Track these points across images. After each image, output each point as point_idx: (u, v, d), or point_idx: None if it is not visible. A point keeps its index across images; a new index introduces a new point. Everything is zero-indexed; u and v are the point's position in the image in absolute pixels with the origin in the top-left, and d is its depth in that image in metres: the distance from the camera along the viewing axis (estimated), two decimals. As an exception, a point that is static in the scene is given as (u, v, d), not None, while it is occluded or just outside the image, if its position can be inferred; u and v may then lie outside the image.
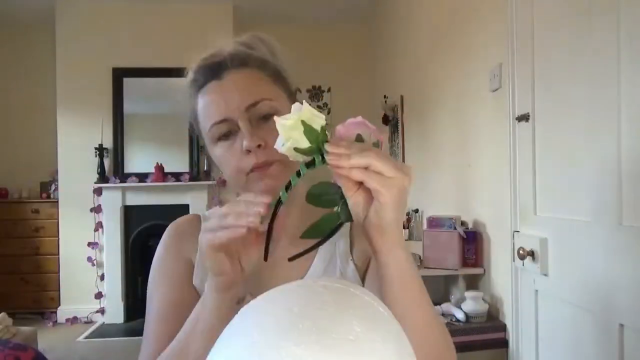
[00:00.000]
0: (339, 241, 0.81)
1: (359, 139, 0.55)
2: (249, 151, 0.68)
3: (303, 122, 0.52)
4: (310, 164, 0.55)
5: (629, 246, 1.21)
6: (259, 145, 0.68)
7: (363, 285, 0.77)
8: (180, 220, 0.85)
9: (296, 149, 0.54)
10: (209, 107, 0.73)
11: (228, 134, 0.71)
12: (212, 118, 0.71)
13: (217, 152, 0.73)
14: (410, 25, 3.52)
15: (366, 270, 0.80)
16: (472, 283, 2.26)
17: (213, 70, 0.73)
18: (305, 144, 0.53)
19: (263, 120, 0.71)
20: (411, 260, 0.63)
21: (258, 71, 0.74)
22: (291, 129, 0.53)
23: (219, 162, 0.75)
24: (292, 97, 0.79)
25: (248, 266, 0.60)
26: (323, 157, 0.53)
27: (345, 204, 0.57)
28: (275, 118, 0.53)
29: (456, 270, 2.19)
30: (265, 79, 0.74)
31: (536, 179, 1.66)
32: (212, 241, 0.56)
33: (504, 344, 1.94)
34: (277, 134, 0.61)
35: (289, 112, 0.66)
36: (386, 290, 0.61)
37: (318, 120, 0.53)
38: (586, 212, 1.37)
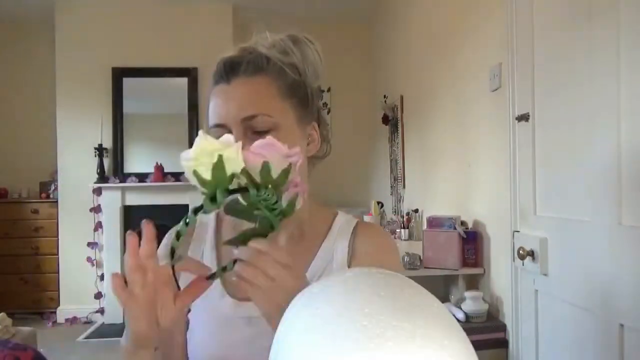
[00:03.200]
0: (337, 248, 0.80)
1: (265, 169, 0.53)
2: None
3: (220, 157, 0.51)
4: (198, 210, 0.53)
5: (628, 246, 1.21)
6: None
7: None
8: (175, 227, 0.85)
9: (195, 173, 0.52)
10: (212, 109, 0.74)
11: None
12: (212, 120, 0.73)
13: None
14: (410, 25, 3.52)
15: None
16: (472, 283, 2.26)
17: (226, 71, 0.73)
18: (207, 175, 0.51)
19: (258, 135, 0.69)
20: None
21: (270, 81, 0.73)
22: (204, 153, 0.51)
23: None
24: (306, 113, 0.77)
25: (165, 322, 0.57)
26: (214, 201, 0.52)
27: (262, 218, 0.56)
28: (200, 132, 0.52)
29: (456, 270, 2.19)
30: (273, 91, 0.72)
31: (536, 179, 1.66)
32: (125, 304, 0.56)
33: (504, 344, 1.94)
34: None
35: (293, 130, 0.71)
36: None
37: (235, 165, 0.51)
38: (586, 212, 1.37)
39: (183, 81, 4.28)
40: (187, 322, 0.80)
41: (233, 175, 0.52)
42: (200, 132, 0.52)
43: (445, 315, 0.42)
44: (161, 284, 0.56)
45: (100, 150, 4.14)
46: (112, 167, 4.23)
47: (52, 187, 4.41)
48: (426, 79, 3.12)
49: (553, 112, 1.56)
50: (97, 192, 4.16)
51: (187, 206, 4.11)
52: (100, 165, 4.13)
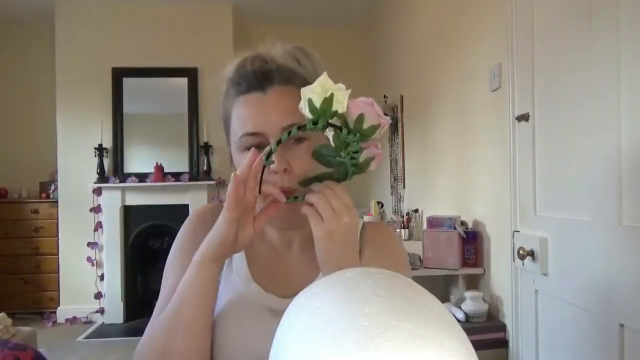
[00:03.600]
0: None
1: (360, 118, 0.63)
2: (275, 172, 0.70)
3: (331, 94, 0.62)
4: (301, 127, 0.64)
5: (628, 246, 1.21)
6: (285, 169, 0.70)
7: None
8: (202, 207, 0.87)
9: (309, 101, 0.63)
10: (246, 117, 0.73)
11: (258, 146, 0.71)
12: (245, 128, 0.73)
13: (242, 160, 0.73)
14: (410, 25, 3.52)
15: None
16: (472, 283, 2.26)
17: (258, 80, 0.74)
18: (318, 104, 0.63)
19: (294, 143, 0.72)
20: None
21: (299, 91, 0.74)
22: (323, 88, 0.63)
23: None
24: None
25: (244, 239, 0.68)
26: (316, 124, 0.63)
27: (340, 164, 0.66)
28: (324, 73, 0.63)
29: (456, 270, 2.19)
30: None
31: (536, 179, 1.66)
32: (232, 205, 0.66)
33: (504, 344, 1.94)
34: (304, 160, 0.72)
35: (321, 137, 0.73)
36: None
37: (340, 107, 0.62)
38: (586, 212, 1.37)
39: (183, 81, 4.28)
40: None
41: (336, 113, 0.62)
42: (324, 73, 0.63)
43: (445, 316, 0.42)
44: (248, 206, 0.67)
45: (100, 150, 4.14)
46: (112, 167, 4.22)
47: (52, 187, 4.41)
48: (426, 79, 3.12)
49: (553, 112, 1.56)
50: (97, 192, 4.16)
51: (187, 206, 4.11)
52: (100, 165, 4.13)
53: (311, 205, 0.66)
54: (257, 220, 0.69)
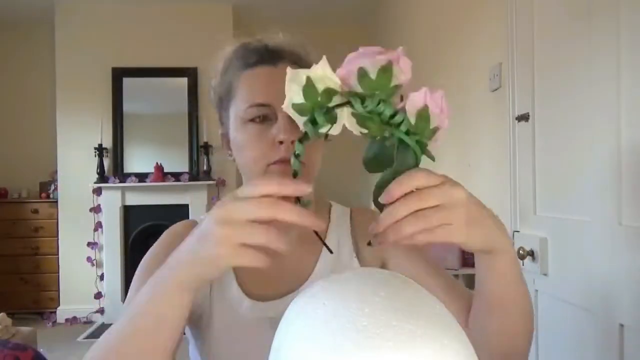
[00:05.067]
0: (341, 241, 0.80)
1: (361, 73, 0.49)
2: (281, 142, 0.68)
3: (307, 78, 0.49)
4: (304, 139, 0.51)
5: (629, 246, 1.21)
6: (292, 141, 0.67)
7: None
8: (177, 226, 0.82)
9: (293, 105, 0.50)
10: (254, 87, 0.71)
11: (263, 119, 0.70)
12: (253, 99, 0.70)
13: (244, 133, 0.71)
14: (410, 25, 3.52)
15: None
16: (472, 283, 2.26)
17: (270, 55, 0.72)
18: (300, 100, 0.49)
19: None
20: (511, 263, 0.64)
21: None
22: (292, 82, 0.49)
23: (241, 144, 0.72)
24: None
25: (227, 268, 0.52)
26: (316, 123, 0.49)
27: (405, 148, 0.50)
28: (288, 69, 0.50)
29: (456, 270, 2.19)
30: None
31: (536, 178, 1.66)
32: (244, 239, 0.47)
33: (503, 344, 1.94)
34: (315, 150, 0.68)
35: None
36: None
37: (328, 81, 0.49)
38: (586, 212, 1.37)
39: (183, 81, 4.28)
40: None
41: (330, 93, 0.49)
42: (287, 71, 0.49)
43: (445, 316, 0.42)
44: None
45: (100, 150, 4.14)
46: (112, 167, 4.23)
47: (52, 187, 4.41)
48: (426, 78, 3.12)
49: (553, 112, 1.55)
50: (97, 192, 4.16)
51: (187, 206, 4.11)
52: (100, 165, 4.13)
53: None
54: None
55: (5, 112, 4.68)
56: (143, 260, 0.77)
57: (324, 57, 0.50)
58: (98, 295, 4.18)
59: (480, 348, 0.45)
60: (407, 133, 0.49)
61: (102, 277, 4.19)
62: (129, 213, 4.22)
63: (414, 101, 0.49)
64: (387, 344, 0.36)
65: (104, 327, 4.00)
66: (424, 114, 0.49)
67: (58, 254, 4.26)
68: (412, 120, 0.49)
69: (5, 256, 4.27)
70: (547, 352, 1.64)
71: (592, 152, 1.33)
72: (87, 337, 3.75)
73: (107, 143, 4.22)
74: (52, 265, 4.27)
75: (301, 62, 0.73)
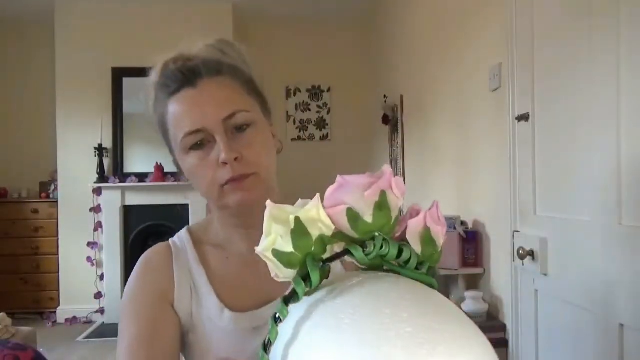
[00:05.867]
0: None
1: (351, 214, 0.40)
2: (225, 163, 0.67)
3: (297, 220, 0.39)
4: (289, 299, 0.40)
5: (628, 246, 1.21)
6: (235, 158, 0.68)
7: None
8: (149, 254, 0.81)
9: (275, 252, 0.40)
10: (182, 116, 0.70)
11: (201, 144, 0.69)
12: (185, 127, 0.69)
13: (189, 162, 0.71)
14: (410, 25, 3.52)
15: None
16: (472, 283, 2.26)
17: (186, 77, 0.71)
18: (288, 248, 0.40)
19: (238, 131, 0.70)
20: None
21: (232, 80, 0.72)
22: (278, 222, 0.40)
23: (189, 173, 0.73)
24: (266, 107, 0.77)
25: None
26: (309, 282, 0.39)
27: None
28: (268, 203, 0.41)
29: (456, 270, 2.19)
30: (239, 88, 0.73)
31: (536, 178, 1.66)
32: None
33: (504, 344, 1.94)
34: (252, 146, 0.68)
35: (264, 123, 0.70)
36: None
37: (322, 227, 0.40)
38: (586, 212, 1.37)
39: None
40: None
41: (324, 241, 0.40)
42: (267, 205, 0.41)
43: (463, 314, 0.40)
44: None
45: (100, 150, 4.14)
46: (112, 167, 4.23)
47: (52, 187, 4.41)
48: (426, 79, 3.12)
49: (553, 112, 1.55)
50: (97, 192, 4.16)
51: (187, 206, 4.11)
52: (100, 165, 4.13)
53: None
54: None
55: (5, 112, 4.68)
56: (124, 302, 0.76)
57: (317, 195, 0.41)
58: (98, 295, 4.18)
59: None
60: (418, 266, 0.43)
61: (102, 277, 4.18)
62: (129, 213, 4.22)
63: (414, 227, 0.44)
64: (439, 348, 0.34)
65: (104, 327, 4.00)
66: (427, 238, 0.44)
67: (58, 254, 4.25)
68: (418, 248, 0.44)
69: (5, 256, 4.27)
70: (547, 352, 1.64)
71: (592, 152, 1.33)
72: (87, 337, 3.75)
73: (107, 143, 4.22)
74: (52, 265, 4.27)
75: (221, 67, 0.72)
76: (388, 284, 0.41)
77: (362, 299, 0.38)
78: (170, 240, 0.82)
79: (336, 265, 0.75)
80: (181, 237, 0.82)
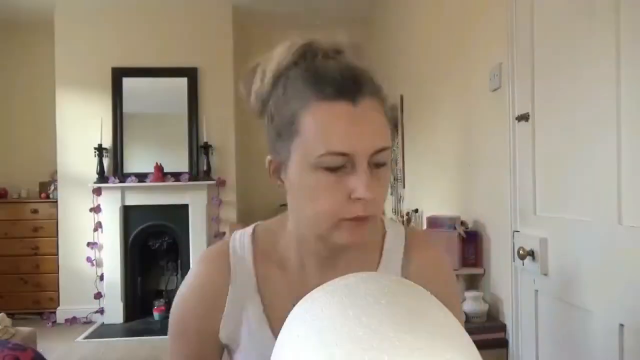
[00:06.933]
0: (389, 268, 0.74)
1: None
2: (358, 199, 0.60)
3: None
4: None
5: (628, 246, 1.21)
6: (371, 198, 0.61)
7: None
8: (204, 276, 0.74)
9: None
10: (333, 131, 0.60)
11: (337, 168, 0.60)
12: (332, 145, 0.59)
13: (315, 180, 0.61)
14: (410, 25, 3.52)
15: None
16: (472, 283, 2.26)
17: (351, 88, 0.61)
18: None
19: (376, 168, 0.62)
20: None
21: (382, 106, 0.64)
22: None
23: (309, 192, 0.63)
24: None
25: None
26: None
27: None
28: None
29: (456, 270, 2.19)
30: (385, 118, 0.64)
31: (536, 179, 1.66)
32: None
33: (504, 344, 1.94)
34: (382, 186, 0.62)
35: (390, 163, 0.64)
36: None
37: None
38: (586, 212, 1.37)
39: (183, 81, 4.28)
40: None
41: None
42: None
43: (451, 327, 0.39)
44: None
45: (100, 150, 4.14)
46: (111, 167, 4.23)
47: (52, 187, 4.41)
48: (426, 79, 3.12)
49: (553, 112, 1.56)
50: (97, 192, 4.16)
51: (186, 206, 4.11)
52: (100, 165, 4.13)
53: None
54: None
55: (5, 112, 4.68)
56: (174, 316, 0.74)
57: None
58: (98, 295, 4.17)
59: None
60: None
61: (102, 277, 4.18)
62: (129, 213, 4.22)
63: None
64: (382, 356, 0.34)
65: (103, 327, 4.00)
66: None
67: (58, 254, 4.25)
68: None
69: (5, 256, 4.27)
70: (547, 352, 1.64)
71: (592, 152, 1.33)
72: (86, 337, 3.74)
73: (107, 143, 4.21)
74: (52, 265, 4.27)
75: (376, 91, 0.64)
76: (374, 286, 0.41)
77: (339, 300, 0.39)
78: (231, 248, 0.74)
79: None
80: (243, 248, 0.74)
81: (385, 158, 0.62)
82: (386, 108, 0.65)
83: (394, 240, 0.76)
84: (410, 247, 0.76)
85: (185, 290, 0.73)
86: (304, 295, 0.67)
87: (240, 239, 0.75)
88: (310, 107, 0.61)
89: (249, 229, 0.77)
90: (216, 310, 0.72)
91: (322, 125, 0.60)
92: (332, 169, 0.60)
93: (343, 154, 0.59)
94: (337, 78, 0.61)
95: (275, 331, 0.70)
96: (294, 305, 0.63)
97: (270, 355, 0.69)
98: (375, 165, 0.62)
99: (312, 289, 0.65)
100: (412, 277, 0.71)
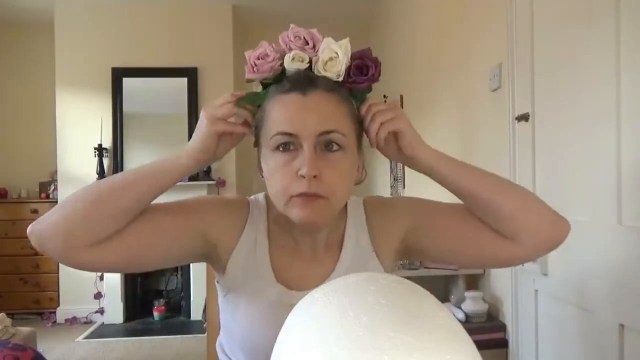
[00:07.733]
0: (359, 236, 0.83)
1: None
2: (302, 177, 0.68)
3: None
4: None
5: (628, 246, 1.21)
6: (315, 176, 0.68)
7: None
8: (232, 198, 0.85)
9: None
10: (282, 117, 0.71)
11: (288, 147, 0.70)
12: (280, 127, 0.70)
13: (272, 161, 0.72)
14: (410, 25, 3.52)
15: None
16: (472, 283, 2.26)
17: (301, 82, 0.72)
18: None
19: (327, 149, 0.71)
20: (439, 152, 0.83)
21: (342, 102, 0.74)
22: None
23: (268, 171, 0.74)
24: (360, 139, 0.78)
25: (221, 153, 0.77)
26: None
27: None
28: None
29: (456, 270, 2.19)
30: (345, 112, 0.73)
31: (536, 179, 1.66)
32: (217, 128, 0.73)
33: (504, 344, 1.94)
34: (335, 169, 0.70)
35: (354, 154, 0.76)
36: (438, 172, 0.85)
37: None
38: (586, 212, 1.37)
39: (183, 81, 4.27)
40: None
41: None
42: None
43: (451, 327, 0.39)
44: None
45: (100, 150, 4.13)
46: (111, 167, 4.23)
47: (52, 187, 4.40)
48: (426, 79, 3.12)
49: (553, 112, 1.56)
50: (97, 192, 4.16)
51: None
52: (100, 165, 4.13)
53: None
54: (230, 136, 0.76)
55: (6, 112, 4.67)
56: (198, 199, 0.88)
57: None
58: (98, 295, 4.17)
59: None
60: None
61: (101, 277, 4.18)
62: (129, 213, 4.21)
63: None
64: (382, 357, 0.34)
65: (103, 327, 4.00)
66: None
67: (58, 254, 4.25)
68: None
69: (5, 256, 4.26)
70: (547, 352, 1.64)
71: (592, 152, 1.33)
72: (86, 337, 3.74)
73: (107, 143, 4.21)
74: (52, 265, 4.27)
75: (335, 89, 0.73)
76: (373, 287, 0.41)
77: (339, 299, 0.40)
78: (250, 199, 0.85)
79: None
80: (258, 203, 0.84)
81: (336, 141, 0.70)
82: (348, 105, 0.74)
83: (354, 200, 0.87)
84: (367, 201, 0.88)
85: (209, 196, 0.87)
86: (302, 256, 0.81)
87: (255, 197, 0.86)
88: (273, 100, 0.73)
89: (261, 194, 0.86)
90: (230, 230, 0.80)
91: (277, 112, 0.72)
92: (285, 150, 0.70)
93: (289, 134, 0.69)
94: (295, 77, 0.73)
95: (278, 278, 0.78)
96: (287, 258, 0.81)
97: (272, 299, 0.77)
98: (327, 147, 0.70)
99: (301, 249, 0.81)
100: (371, 217, 0.85)
